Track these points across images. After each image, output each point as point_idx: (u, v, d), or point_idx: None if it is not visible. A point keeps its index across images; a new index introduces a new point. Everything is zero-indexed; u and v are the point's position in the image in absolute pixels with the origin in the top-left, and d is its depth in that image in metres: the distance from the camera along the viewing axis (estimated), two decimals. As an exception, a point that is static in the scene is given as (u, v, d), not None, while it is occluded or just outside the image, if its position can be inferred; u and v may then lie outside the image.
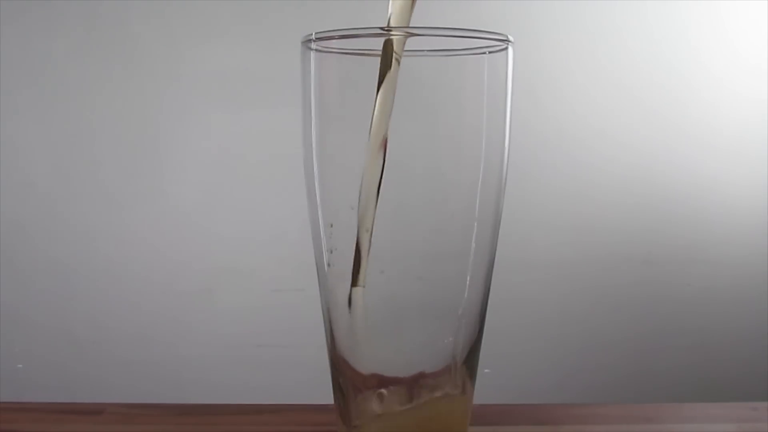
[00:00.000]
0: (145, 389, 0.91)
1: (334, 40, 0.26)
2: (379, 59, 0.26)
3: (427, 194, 0.27)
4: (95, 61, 0.86)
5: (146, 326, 0.91)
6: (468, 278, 0.28)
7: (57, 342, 0.91)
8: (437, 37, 0.26)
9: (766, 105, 0.90)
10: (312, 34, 0.26)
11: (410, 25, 0.26)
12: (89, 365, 0.91)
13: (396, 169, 0.27)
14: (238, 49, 0.86)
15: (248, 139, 0.88)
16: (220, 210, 0.89)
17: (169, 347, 0.91)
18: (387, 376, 0.29)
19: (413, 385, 0.29)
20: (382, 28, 0.26)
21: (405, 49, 0.27)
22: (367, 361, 0.29)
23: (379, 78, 0.26)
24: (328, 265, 0.29)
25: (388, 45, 0.25)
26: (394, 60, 0.25)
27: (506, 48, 0.27)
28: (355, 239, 0.27)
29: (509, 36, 0.27)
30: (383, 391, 0.29)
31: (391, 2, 0.27)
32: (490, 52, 0.27)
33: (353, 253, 0.28)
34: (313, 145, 0.28)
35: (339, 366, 0.29)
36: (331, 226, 0.28)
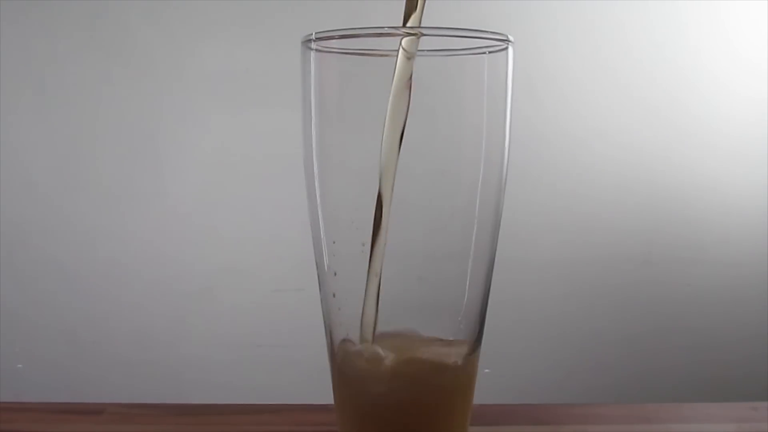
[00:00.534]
0: (145, 389, 0.91)
1: (334, 40, 0.26)
2: (378, 59, 0.26)
3: (427, 194, 0.27)
4: (96, 62, 0.86)
5: (146, 326, 0.91)
6: (468, 278, 0.28)
7: (57, 342, 0.91)
8: (437, 37, 0.26)
9: (766, 105, 0.90)
10: (312, 34, 0.27)
11: (414, 26, 0.26)
12: (89, 365, 0.91)
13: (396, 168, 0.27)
14: (238, 49, 0.86)
15: (248, 139, 0.88)
16: (220, 210, 0.89)
17: (169, 347, 0.91)
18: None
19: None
20: (382, 28, 0.26)
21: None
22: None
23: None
24: (328, 265, 0.29)
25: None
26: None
27: (506, 48, 0.27)
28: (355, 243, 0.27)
29: (509, 36, 0.27)
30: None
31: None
32: (490, 52, 0.27)
33: (353, 253, 0.28)
34: (313, 145, 0.28)
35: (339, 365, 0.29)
36: (332, 226, 0.28)
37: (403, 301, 0.29)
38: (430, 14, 0.27)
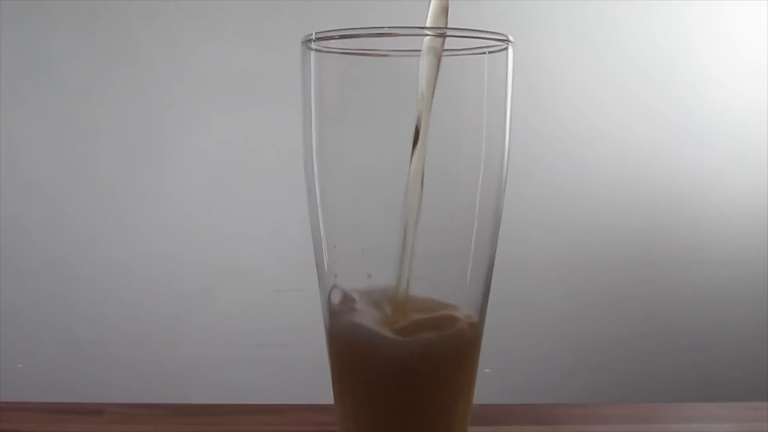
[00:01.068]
0: (145, 389, 0.91)
1: (334, 40, 0.26)
2: (378, 59, 0.26)
3: (427, 194, 0.27)
4: (96, 61, 0.86)
5: (146, 326, 0.91)
6: (468, 278, 0.28)
7: (57, 342, 0.91)
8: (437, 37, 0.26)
9: (766, 105, 0.90)
10: (312, 34, 0.26)
11: (414, 26, 0.26)
12: (89, 365, 0.91)
13: (396, 169, 0.27)
14: (239, 49, 0.86)
15: (248, 139, 0.88)
16: (220, 210, 0.89)
17: (169, 347, 0.91)
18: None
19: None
20: (382, 28, 0.26)
21: (405, 49, 0.27)
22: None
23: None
24: (329, 264, 0.29)
25: None
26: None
27: (506, 48, 0.27)
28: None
29: (509, 36, 0.27)
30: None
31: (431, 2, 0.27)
32: (490, 52, 0.27)
33: (353, 254, 0.28)
34: (313, 145, 0.28)
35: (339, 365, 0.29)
36: (332, 226, 0.28)
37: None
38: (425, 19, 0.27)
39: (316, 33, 0.26)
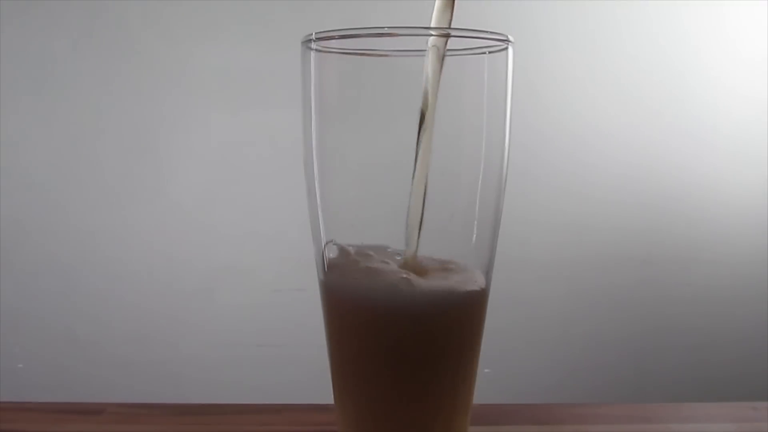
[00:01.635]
0: (145, 389, 0.91)
1: (334, 40, 0.26)
2: (378, 59, 0.26)
3: (427, 194, 0.27)
4: (96, 61, 0.86)
5: (146, 326, 0.91)
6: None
7: (57, 342, 0.91)
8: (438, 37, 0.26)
9: (766, 105, 0.90)
10: (312, 34, 0.27)
11: (417, 26, 0.26)
12: (89, 365, 0.91)
13: (396, 169, 0.27)
14: (238, 49, 0.86)
15: (248, 138, 0.88)
16: (220, 209, 0.89)
17: (169, 347, 0.91)
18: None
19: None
20: (382, 28, 0.26)
21: (405, 49, 0.27)
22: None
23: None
24: (328, 264, 0.29)
25: None
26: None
27: (506, 48, 0.27)
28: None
29: (509, 36, 0.27)
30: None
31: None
32: (490, 52, 0.27)
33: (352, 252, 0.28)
34: (313, 145, 0.28)
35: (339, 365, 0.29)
36: (332, 226, 0.28)
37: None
38: (431, 14, 0.27)
39: (316, 33, 0.26)
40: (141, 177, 0.88)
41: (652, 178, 0.90)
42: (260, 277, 0.90)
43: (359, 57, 0.26)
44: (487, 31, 0.26)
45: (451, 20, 0.27)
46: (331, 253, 0.28)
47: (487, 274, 0.29)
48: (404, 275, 0.27)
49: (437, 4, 0.27)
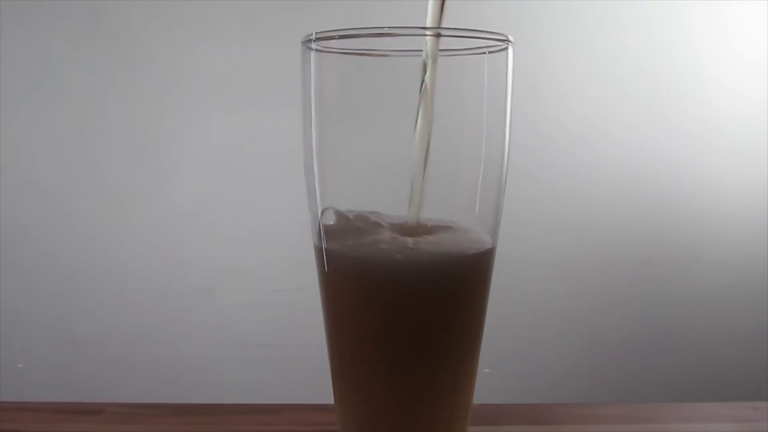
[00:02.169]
0: (145, 389, 0.91)
1: (334, 40, 0.26)
2: (378, 59, 0.26)
3: (427, 194, 0.27)
4: (96, 61, 0.86)
5: (147, 325, 0.91)
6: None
7: (57, 342, 0.91)
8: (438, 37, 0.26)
9: (766, 105, 0.90)
10: (312, 34, 0.27)
11: (416, 26, 0.26)
12: (89, 365, 0.91)
13: (396, 169, 0.27)
14: (239, 49, 0.86)
15: (249, 138, 0.88)
16: (220, 209, 0.89)
17: (169, 347, 0.91)
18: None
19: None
20: (382, 28, 0.26)
21: (405, 49, 0.27)
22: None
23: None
24: (328, 264, 0.29)
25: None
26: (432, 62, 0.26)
27: (506, 48, 0.27)
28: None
29: (509, 36, 0.27)
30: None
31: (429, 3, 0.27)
32: (490, 52, 0.27)
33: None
34: (313, 145, 0.28)
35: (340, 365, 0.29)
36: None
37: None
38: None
39: (316, 33, 0.26)
40: (141, 177, 0.88)
41: (652, 178, 0.90)
42: (260, 277, 0.90)
43: (359, 57, 0.26)
44: (487, 31, 0.26)
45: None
46: (329, 219, 0.28)
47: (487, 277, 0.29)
48: (408, 236, 0.26)
49: None
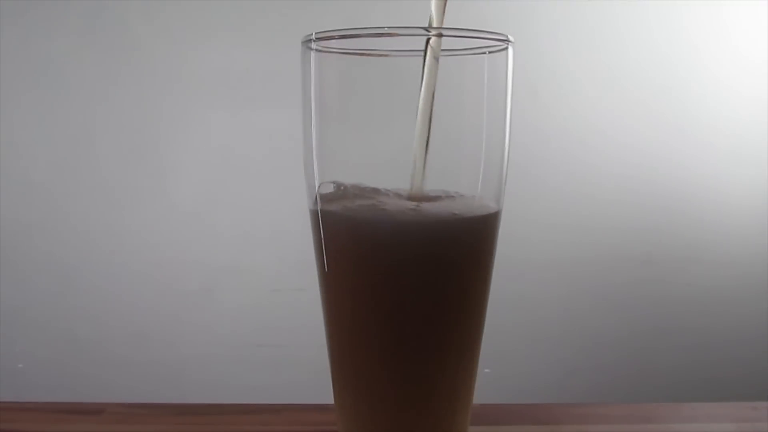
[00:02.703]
0: (145, 389, 0.91)
1: (334, 40, 0.26)
2: (378, 59, 0.26)
3: (427, 194, 0.27)
4: (96, 61, 0.86)
5: (146, 325, 0.91)
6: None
7: (57, 342, 0.91)
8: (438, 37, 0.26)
9: (766, 105, 0.90)
10: (312, 34, 0.27)
11: (416, 26, 0.26)
12: (89, 365, 0.91)
13: (396, 168, 0.27)
14: (238, 49, 0.86)
15: (248, 138, 0.88)
16: (220, 209, 0.89)
17: (169, 347, 0.91)
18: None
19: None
20: (382, 28, 0.26)
21: (405, 49, 0.27)
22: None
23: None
24: (328, 264, 0.29)
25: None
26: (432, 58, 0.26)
27: (506, 48, 0.27)
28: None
29: (509, 36, 0.27)
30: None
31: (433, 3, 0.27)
32: (490, 52, 0.27)
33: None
34: (313, 145, 0.28)
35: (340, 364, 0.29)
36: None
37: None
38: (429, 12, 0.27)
39: (316, 33, 0.26)
40: (141, 177, 0.88)
41: (652, 178, 0.90)
42: (260, 277, 0.90)
43: (359, 57, 0.26)
44: (487, 31, 0.26)
45: None
46: (327, 188, 0.26)
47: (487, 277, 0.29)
48: (410, 201, 0.25)
49: None
